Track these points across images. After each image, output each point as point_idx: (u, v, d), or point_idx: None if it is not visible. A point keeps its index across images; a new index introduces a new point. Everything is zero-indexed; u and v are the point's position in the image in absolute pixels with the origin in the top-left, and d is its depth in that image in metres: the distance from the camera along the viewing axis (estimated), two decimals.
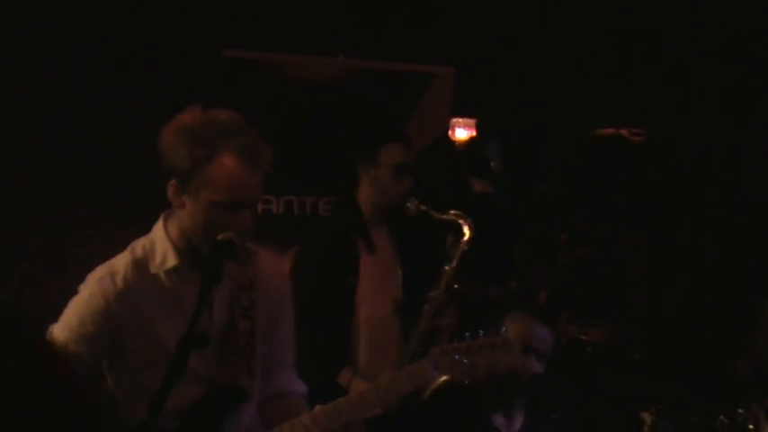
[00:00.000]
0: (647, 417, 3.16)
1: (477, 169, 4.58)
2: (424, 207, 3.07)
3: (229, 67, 3.90)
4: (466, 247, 3.10)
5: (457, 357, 2.10)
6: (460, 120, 5.31)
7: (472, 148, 4.81)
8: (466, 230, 3.11)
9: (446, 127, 4.48)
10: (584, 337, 4.11)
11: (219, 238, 1.98)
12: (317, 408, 2.10)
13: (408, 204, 3.07)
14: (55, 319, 2.10)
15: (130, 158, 3.55)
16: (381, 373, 3.01)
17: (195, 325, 1.85)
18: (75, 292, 2.12)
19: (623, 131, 5.32)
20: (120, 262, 2.10)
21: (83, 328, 2.05)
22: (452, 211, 3.12)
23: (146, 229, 2.18)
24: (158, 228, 2.13)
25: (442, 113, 4.28)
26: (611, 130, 5.28)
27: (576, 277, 4.90)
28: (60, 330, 2.07)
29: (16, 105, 3.78)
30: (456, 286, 3.31)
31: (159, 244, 2.11)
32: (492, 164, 4.84)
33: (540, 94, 4.80)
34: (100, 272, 2.10)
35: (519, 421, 2.62)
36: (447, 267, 3.09)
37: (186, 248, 2.08)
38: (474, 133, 5.23)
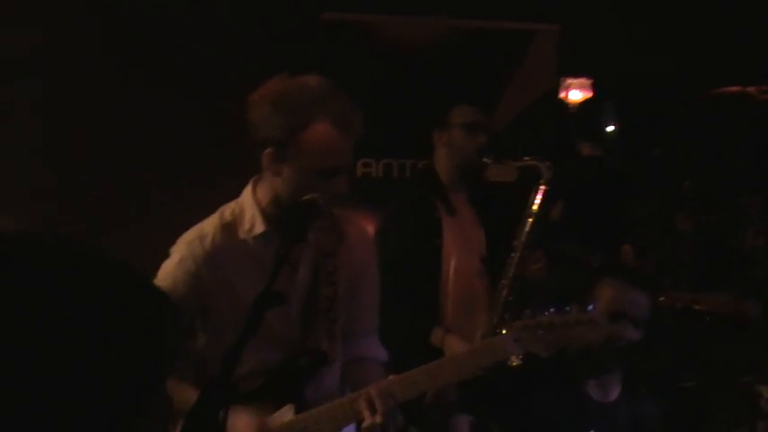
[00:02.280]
0: (764, 390, 3.00)
1: (587, 133, 4.43)
2: (499, 158, 3.11)
3: (330, 30, 3.92)
4: (545, 190, 3.10)
5: (539, 332, 2.06)
6: (574, 80, 5.12)
7: (584, 112, 4.65)
8: (544, 174, 3.09)
9: (550, 86, 4.36)
10: (696, 307, 3.93)
11: (304, 198, 2.00)
12: (392, 377, 2.10)
13: (485, 159, 3.11)
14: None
15: (224, 123, 3.62)
16: (470, 330, 3.08)
17: (273, 283, 1.87)
18: (167, 254, 2.19)
19: (751, 89, 4.99)
20: (209, 226, 2.16)
21: (175, 288, 2.12)
22: (527, 157, 3.12)
23: (234, 192, 2.21)
24: (247, 193, 2.17)
25: (547, 72, 4.17)
26: (736, 88, 4.97)
27: (695, 244, 4.68)
28: None
29: (116, 66, 3.91)
30: (558, 251, 3.29)
31: (248, 210, 2.14)
32: (608, 127, 4.67)
33: (659, 50, 4.57)
34: (190, 235, 2.16)
35: (615, 391, 2.55)
36: (527, 212, 3.10)
37: (275, 214, 2.11)
38: (590, 95, 5.04)
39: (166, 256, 2.19)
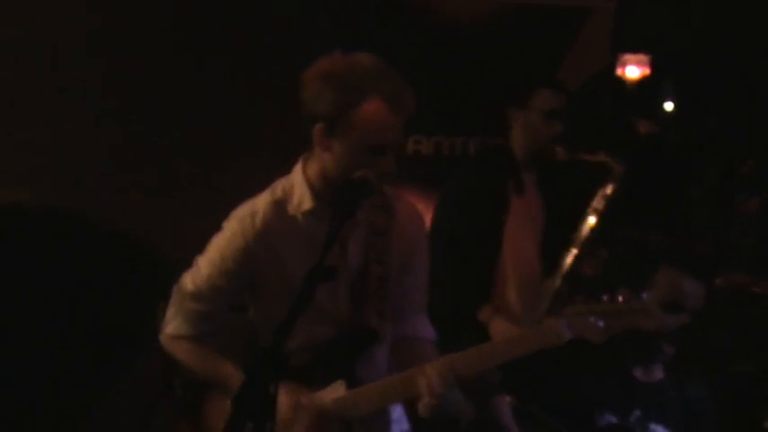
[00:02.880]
0: None
1: (644, 111, 4.36)
2: (573, 150, 3.07)
3: (382, 8, 3.92)
4: (612, 190, 3.06)
5: (591, 319, 2.04)
6: (632, 57, 5.02)
7: (642, 89, 4.58)
8: (615, 172, 3.04)
9: (604, 64, 4.28)
10: (756, 290, 3.85)
11: (356, 175, 2.02)
12: (444, 358, 2.10)
13: (557, 149, 3.07)
14: (201, 249, 2.23)
15: (277, 99, 3.64)
16: (521, 312, 3.07)
17: (324, 258, 1.89)
18: (219, 227, 2.22)
19: None
20: (261, 202, 2.19)
21: (224, 264, 2.17)
22: (602, 153, 3.08)
23: (288, 168, 2.23)
24: (297, 170, 2.20)
25: (602, 50, 4.10)
26: None
27: (754, 225, 4.59)
28: (204, 264, 2.21)
29: (174, 44, 3.95)
30: (613, 231, 3.26)
31: (298, 186, 2.17)
32: (666, 105, 4.59)
33: (717, 25, 4.45)
34: (241, 211, 2.19)
35: (658, 371, 2.52)
36: (591, 210, 3.07)
37: (324, 191, 2.13)
38: (648, 71, 4.95)
39: (219, 229, 2.22)
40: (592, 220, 3.05)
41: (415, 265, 2.26)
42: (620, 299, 2.04)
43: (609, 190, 3.06)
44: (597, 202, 3.06)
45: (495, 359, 2.09)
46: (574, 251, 3.05)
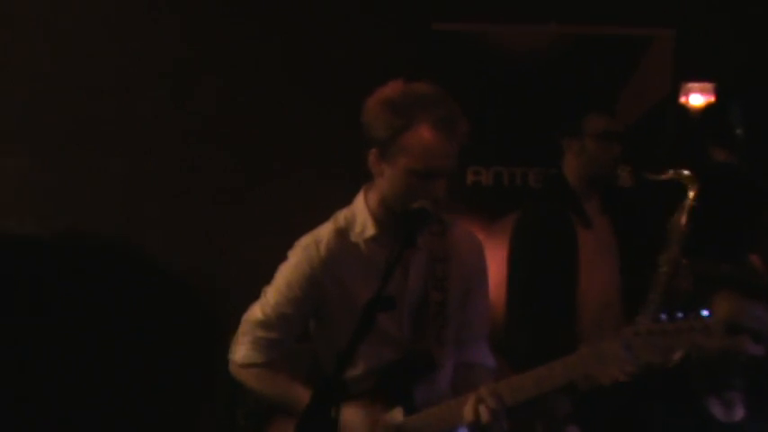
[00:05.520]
0: None
1: (719, 137, 4.26)
2: (637, 171, 3.01)
3: (441, 40, 3.97)
4: (694, 203, 2.97)
5: (651, 339, 2.01)
6: (696, 85, 4.95)
7: (713, 115, 4.49)
8: (690, 186, 2.98)
9: (667, 92, 4.23)
10: None
11: (414, 206, 2.05)
12: (502, 381, 2.11)
13: (620, 172, 3.01)
14: (268, 280, 2.29)
15: (338, 132, 3.71)
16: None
17: (384, 288, 1.91)
18: (285, 257, 2.28)
19: None
20: (324, 231, 2.23)
21: (290, 291, 2.21)
22: (670, 170, 3.01)
23: (349, 199, 2.29)
24: (359, 199, 2.24)
25: (663, 78, 4.06)
26: None
27: None
28: (272, 293, 2.25)
29: (241, 74, 4.08)
30: (684, 261, 3.18)
31: (359, 214, 2.21)
32: (738, 131, 4.48)
33: None
34: (306, 240, 2.24)
35: (740, 411, 2.44)
36: (676, 225, 2.98)
37: (385, 218, 2.17)
38: (712, 99, 4.86)
39: (284, 258, 2.27)
40: (676, 241, 2.98)
41: (475, 292, 2.27)
42: (680, 317, 2.00)
43: (689, 204, 2.98)
44: (679, 221, 2.98)
45: (552, 383, 2.07)
46: (664, 273, 2.96)
